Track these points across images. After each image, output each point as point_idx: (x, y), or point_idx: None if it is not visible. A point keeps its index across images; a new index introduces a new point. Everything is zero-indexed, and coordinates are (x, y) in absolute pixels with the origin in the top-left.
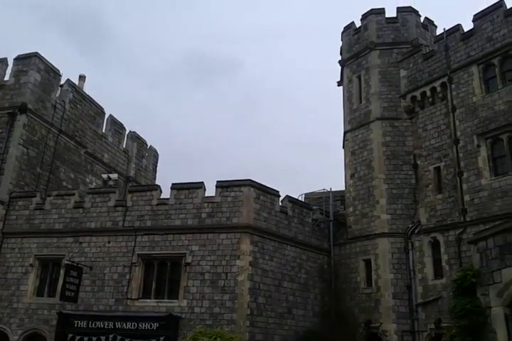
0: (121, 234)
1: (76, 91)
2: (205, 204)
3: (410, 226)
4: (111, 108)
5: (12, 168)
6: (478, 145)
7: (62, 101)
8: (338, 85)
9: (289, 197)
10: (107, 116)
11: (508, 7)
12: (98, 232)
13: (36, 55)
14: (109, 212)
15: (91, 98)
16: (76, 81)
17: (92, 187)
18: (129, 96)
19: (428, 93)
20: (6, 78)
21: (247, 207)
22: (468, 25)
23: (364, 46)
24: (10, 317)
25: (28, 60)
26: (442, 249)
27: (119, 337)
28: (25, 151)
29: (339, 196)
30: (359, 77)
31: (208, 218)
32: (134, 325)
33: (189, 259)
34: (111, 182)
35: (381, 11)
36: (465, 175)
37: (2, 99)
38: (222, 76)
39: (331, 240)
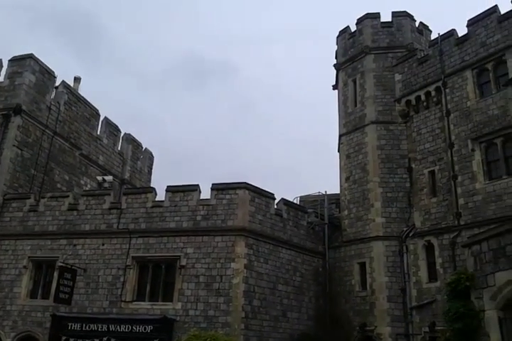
0: (116, 237)
1: (71, 92)
2: (200, 207)
3: (405, 229)
4: (106, 110)
5: (6, 169)
6: (473, 150)
7: (57, 102)
8: (334, 89)
9: (284, 199)
10: (102, 118)
11: (502, 13)
12: (92, 234)
13: (31, 56)
14: (103, 215)
15: (86, 100)
16: (71, 83)
17: (87, 189)
18: (124, 98)
19: (423, 97)
20: (1, 79)
21: (242, 209)
22: (462, 30)
23: (359, 50)
24: (3, 319)
25: (23, 62)
26: (436, 253)
27: (112, 340)
28: (20, 153)
29: (334, 199)
30: (354, 81)
31: (203, 220)
32: (128, 328)
33: (184, 262)
34: (106, 185)
35: (376, 16)
36: (459, 178)
37: None
38: (217, 78)
39: (325, 243)
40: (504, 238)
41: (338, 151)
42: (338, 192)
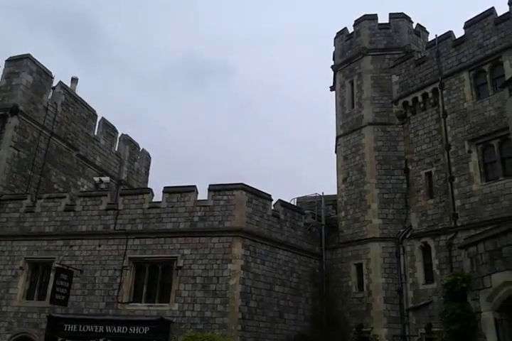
0: (113, 238)
1: (68, 93)
2: (198, 208)
3: (401, 230)
4: (103, 110)
5: (3, 170)
6: (469, 151)
7: (54, 103)
8: (331, 90)
9: (282, 201)
10: (99, 119)
11: (499, 15)
12: (89, 235)
13: (28, 56)
14: (100, 216)
15: (83, 100)
16: (68, 83)
17: (84, 190)
18: (122, 99)
19: (420, 99)
20: None
21: (239, 210)
22: (459, 32)
23: (357, 52)
24: None
25: (20, 62)
26: (433, 254)
27: None
28: (17, 153)
29: (331, 200)
30: (351, 82)
31: (200, 222)
32: (125, 329)
33: (181, 263)
34: (102, 186)
35: (374, 17)
36: (456, 180)
37: None
38: (216, 79)
39: (322, 244)
40: (500, 239)
41: (336, 152)
42: (335, 193)
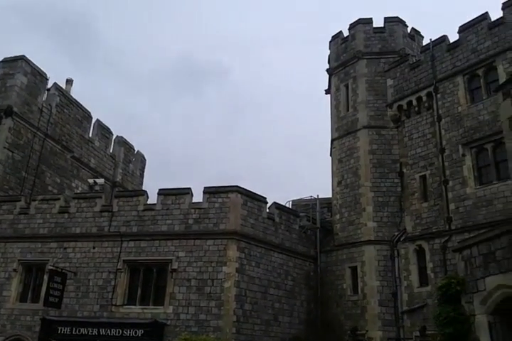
0: (107, 240)
1: (63, 95)
2: (192, 210)
3: (396, 233)
4: (98, 112)
5: None
6: (464, 155)
7: (49, 104)
8: (326, 93)
9: (277, 203)
10: (94, 121)
11: (492, 20)
12: (83, 237)
13: (23, 58)
14: (94, 217)
15: (78, 102)
16: (63, 85)
17: (78, 192)
18: (116, 100)
19: (414, 102)
20: None
21: (234, 213)
22: (454, 36)
23: (352, 55)
24: None
25: (15, 63)
26: (427, 257)
27: None
28: (11, 155)
29: (326, 203)
30: (346, 86)
31: (194, 224)
32: (119, 332)
33: (175, 265)
34: (97, 187)
35: (369, 21)
36: (450, 183)
37: None
38: (210, 82)
39: (317, 247)
40: (494, 243)
41: (330, 155)
42: (330, 196)
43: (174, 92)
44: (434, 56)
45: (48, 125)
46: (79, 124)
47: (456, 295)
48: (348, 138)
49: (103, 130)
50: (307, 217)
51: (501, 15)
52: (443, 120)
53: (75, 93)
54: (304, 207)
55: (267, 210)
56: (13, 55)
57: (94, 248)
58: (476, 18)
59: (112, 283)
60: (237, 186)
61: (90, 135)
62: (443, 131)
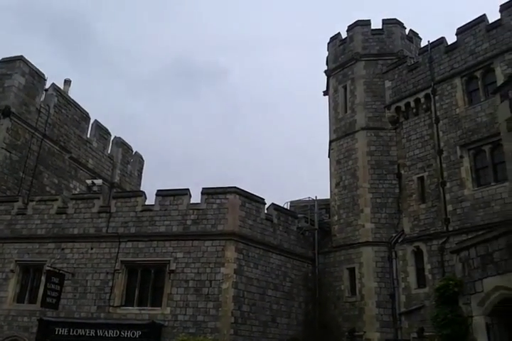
0: (105, 241)
1: (61, 95)
2: (191, 211)
3: (394, 235)
4: (96, 113)
5: None
6: (461, 156)
7: (47, 105)
8: (324, 95)
9: (275, 204)
10: (92, 122)
11: (490, 22)
12: (81, 238)
13: (21, 58)
14: (92, 218)
15: (76, 103)
16: (61, 85)
17: (76, 192)
18: (114, 101)
19: (412, 104)
20: None
21: (232, 214)
22: (451, 38)
23: (350, 57)
24: None
25: (12, 64)
26: (425, 258)
27: None
28: (8, 155)
29: (324, 204)
30: (345, 87)
31: (192, 225)
32: (116, 333)
33: (173, 266)
34: (95, 188)
35: (367, 23)
36: (448, 185)
37: None
38: (208, 84)
39: (315, 248)
40: (492, 244)
41: (329, 157)
42: (328, 197)
43: (173, 93)
44: (432, 58)
45: (45, 125)
46: (77, 125)
47: (454, 297)
48: (346, 139)
49: (101, 131)
50: (305, 218)
51: (499, 17)
52: (441, 122)
53: (73, 93)
54: (302, 209)
55: (265, 211)
56: (11, 55)
57: (92, 249)
58: (474, 20)
59: (110, 283)
60: (235, 187)
61: (88, 136)
62: (441, 133)
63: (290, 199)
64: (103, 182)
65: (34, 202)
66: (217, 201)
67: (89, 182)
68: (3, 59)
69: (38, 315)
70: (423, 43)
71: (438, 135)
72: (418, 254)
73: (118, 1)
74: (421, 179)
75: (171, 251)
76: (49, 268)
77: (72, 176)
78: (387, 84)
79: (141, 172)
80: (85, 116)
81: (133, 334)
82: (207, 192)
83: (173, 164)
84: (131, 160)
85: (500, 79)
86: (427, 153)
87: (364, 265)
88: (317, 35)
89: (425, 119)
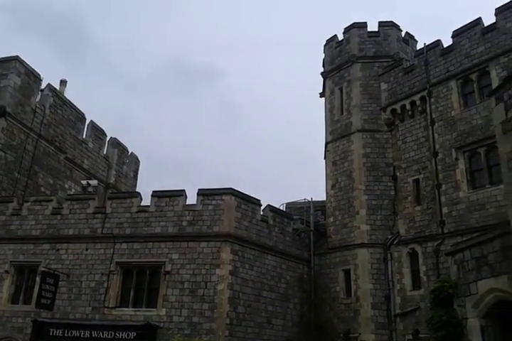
0: (100, 241)
1: (57, 95)
2: (186, 212)
3: (389, 237)
4: (92, 114)
5: None
6: (457, 159)
7: (43, 105)
8: (321, 96)
9: (270, 206)
10: (87, 122)
11: (486, 25)
12: (76, 239)
13: (16, 58)
14: (87, 219)
15: (72, 103)
16: (57, 85)
17: (71, 193)
18: (110, 102)
19: (408, 106)
20: None
21: (228, 215)
22: (447, 41)
23: (346, 59)
24: None
25: (8, 64)
26: (420, 260)
27: None
28: (3, 156)
29: (320, 206)
30: (341, 89)
31: (188, 226)
32: (111, 334)
33: (169, 267)
34: (90, 189)
35: (363, 25)
36: (443, 187)
37: None
38: (205, 84)
39: (311, 250)
40: (487, 246)
41: (325, 158)
42: (324, 199)
43: (169, 93)
44: (427, 60)
45: (41, 126)
46: (72, 125)
47: (449, 299)
48: (342, 141)
49: (97, 131)
50: (301, 220)
51: (494, 20)
52: (436, 124)
53: (69, 94)
54: (297, 210)
55: (261, 213)
56: (6, 56)
57: (86, 249)
58: (470, 23)
59: (105, 285)
60: (231, 188)
61: (84, 136)
62: (436, 135)
63: (286, 201)
64: (98, 183)
65: (29, 203)
66: (213, 202)
67: (84, 182)
68: None
69: (33, 316)
70: (419, 46)
71: (433, 137)
72: (413, 256)
73: (115, 2)
74: (416, 181)
75: (166, 252)
76: (44, 268)
77: (68, 177)
78: (383, 86)
79: (137, 173)
80: (81, 117)
81: (128, 335)
82: (203, 193)
83: (170, 165)
84: (126, 161)
85: (495, 82)
86: (422, 155)
87: (359, 266)
88: (314, 36)
89: (421, 122)
